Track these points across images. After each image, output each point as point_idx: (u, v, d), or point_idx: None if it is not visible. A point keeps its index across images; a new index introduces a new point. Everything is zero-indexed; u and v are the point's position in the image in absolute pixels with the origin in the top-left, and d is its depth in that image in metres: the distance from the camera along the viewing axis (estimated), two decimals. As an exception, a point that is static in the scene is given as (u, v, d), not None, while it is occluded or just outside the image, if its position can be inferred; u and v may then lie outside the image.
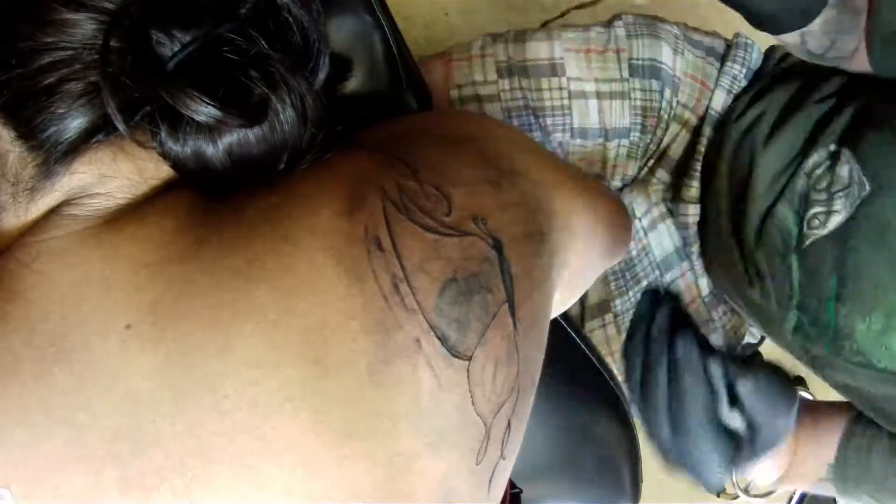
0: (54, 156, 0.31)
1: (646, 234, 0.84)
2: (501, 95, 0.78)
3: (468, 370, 0.34)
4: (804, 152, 0.67)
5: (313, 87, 0.35)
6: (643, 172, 0.85)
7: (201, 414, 0.29)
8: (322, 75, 0.35)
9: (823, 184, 0.63)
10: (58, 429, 0.28)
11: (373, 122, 0.50)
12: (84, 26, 0.30)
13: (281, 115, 0.33)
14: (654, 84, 0.78)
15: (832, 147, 0.64)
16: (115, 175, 0.33)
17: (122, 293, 0.30)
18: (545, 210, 0.41)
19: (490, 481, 0.36)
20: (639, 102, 0.79)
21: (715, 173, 0.77)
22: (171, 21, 0.30)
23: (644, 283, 0.83)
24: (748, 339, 0.92)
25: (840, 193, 0.62)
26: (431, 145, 0.39)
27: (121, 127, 0.30)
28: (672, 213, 0.84)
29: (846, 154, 0.62)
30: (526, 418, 0.40)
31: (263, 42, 0.32)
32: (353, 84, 0.55)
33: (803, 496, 1.22)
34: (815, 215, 0.63)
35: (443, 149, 0.39)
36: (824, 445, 0.70)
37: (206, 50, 0.31)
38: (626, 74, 0.78)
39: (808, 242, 0.64)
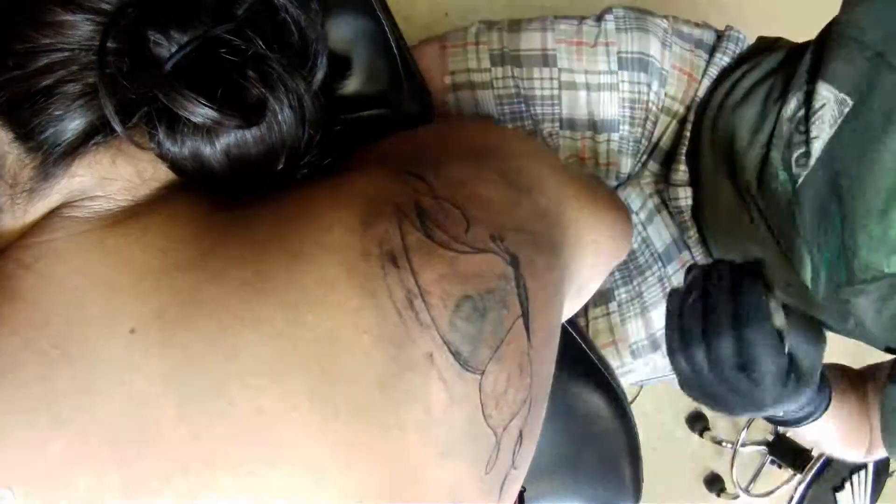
0: (52, 157, 0.31)
1: (644, 227, 0.84)
2: (494, 83, 0.79)
3: (480, 384, 0.34)
4: (781, 100, 0.67)
5: (311, 88, 0.34)
6: (637, 168, 0.85)
7: (207, 419, 0.29)
8: (320, 75, 0.35)
9: (804, 124, 0.63)
10: (61, 430, 0.28)
11: (373, 123, 0.50)
12: (81, 27, 0.30)
13: (279, 116, 0.33)
14: (643, 77, 0.79)
15: (805, 88, 0.64)
16: (114, 177, 0.33)
17: (126, 297, 0.30)
18: (560, 224, 0.41)
19: (501, 490, 0.36)
20: (627, 95, 0.80)
21: (700, 149, 0.78)
22: (168, 22, 0.30)
23: (647, 273, 0.84)
24: None
25: (814, 120, 0.62)
26: (449, 160, 0.39)
27: (118, 128, 0.30)
28: (665, 202, 0.85)
29: (819, 84, 0.62)
30: (538, 429, 0.40)
31: (261, 42, 0.32)
32: (352, 84, 0.55)
33: (803, 496, 1.22)
34: (799, 155, 0.64)
35: (460, 164, 0.39)
36: (871, 392, 0.70)
37: (204, 51, 0.31)
38: (614, 67, 0.79)
39: (800, 181, 0.64)
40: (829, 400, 0.64)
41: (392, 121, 0.57)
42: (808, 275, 0.65)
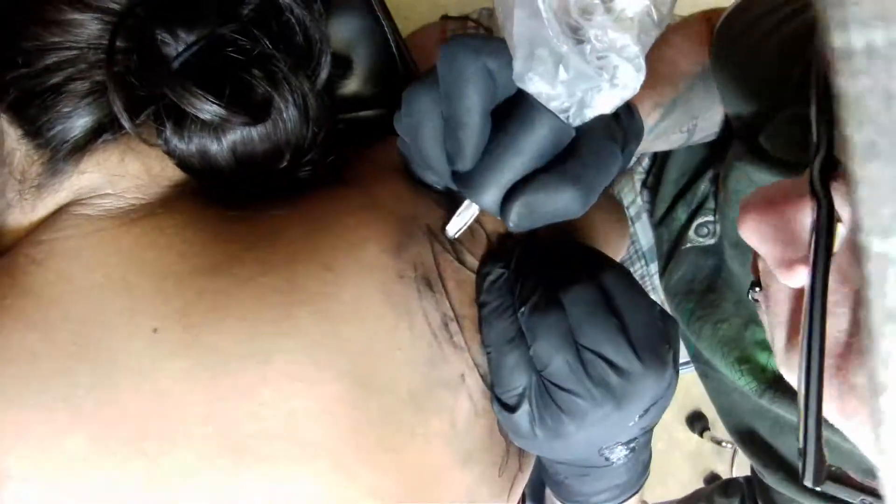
0: (60, 154, 0.32)
1: (633, 223, 0.85)
2: None
3: None
4: (706, 161, 0.67)
5: (315, 87, 0.35)
6: (632, 163, 0.86)
7: (236, 418, 0.29)
8: (324, 75, 0.36)
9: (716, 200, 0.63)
10: (82, 425, 0.28)
11: (373, 123, 0.50)
12: (89, 26, 0.30)
13: (284, 114, 0.33)
14: None
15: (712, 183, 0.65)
16: (123, 174, 0.33)
17: (146, 297, 0.30)
18: (568, 230, 0.43)
19: (510, 490, 0.38)
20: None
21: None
22: (175, 21, 0.31)
23: (630, 270, 0.84)
24: None
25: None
26: None
27: (127, 125, 0.31)
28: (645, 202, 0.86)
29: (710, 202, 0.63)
30: None
31: (266, 42, 0.32)
32: (352, 85, 0.55)
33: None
34: (704, 223, 0.64)
35: None
36: None
37: (210, 49, 0.31)
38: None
39: (686, 246, 0.64)
40: None
41: (392, 121, 0.57)
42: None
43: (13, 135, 0.32)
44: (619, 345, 0.32)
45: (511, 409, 0.34)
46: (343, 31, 0.55)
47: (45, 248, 0.31)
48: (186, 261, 0.31)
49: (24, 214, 0.33)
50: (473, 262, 0.36)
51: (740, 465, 1.61)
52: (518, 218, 0.31)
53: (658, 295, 0.82)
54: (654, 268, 0.85)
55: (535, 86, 0.30)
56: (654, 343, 0.33)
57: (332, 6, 0.51)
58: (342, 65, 0.45)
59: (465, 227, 0.35)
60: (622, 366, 0.32)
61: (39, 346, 0.29)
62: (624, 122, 0.34)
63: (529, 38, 0.28)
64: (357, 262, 0.32)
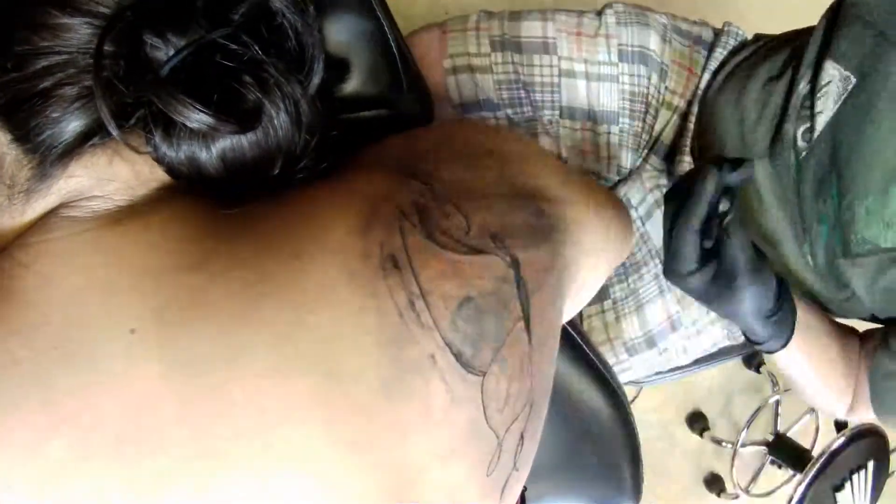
0: (50, 158, 0.31)
1: (643, 223, 0.84)
2: (494, 68, 0.79)
3: (482, 385, 0.34)
4: (792, 75, 0.68)
5: (307, 93, 0.35)
6: (638, 163, 0.85)
7: (208, 419, 0.29)
8: (316, 80, 0.35)
9: (809, 100, 0.65)
10: (61, 430, 0.28)
11: (372, 123, 0.50)
12: (79, 31, 0.30)
13: (274, 121, 0.33)
14: (643, 70, 0.80)
15: (813, 65, 0.66)
16: (112, 178, 0.33)
17: (126, 298, 0.30)
18: (560, 226, 0.41)
19: (502, 492, 0.37)
20: (627, 87, 0.80)
21: (706, 137, 0.79)
22: (165, 26, 0.30)
23: (643, 269, 0.84)
24: None
25: (820, 96, 0.63)
26: (449, 161, 0.39)
27: (114, 132, 0.31)
28: None
29: (826, 62, 0.63)
30: (539, 430, 0.40)
31: (257, 47, 0.32)
32: (352, 85, 0.55)
33: (803, 496, 1.22)
34: (804, 130, 0.65)
35: (461, 165, 0.39)
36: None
37: (200, 55, 0.31)
38: (615, 59, 0.79)
39: (803, 155, 0.65)
40: (793, 327, 0.64)
41: (392, 121, 0.56)
42: (807, 246, 0.66)
43: (2, 139, 0.32)
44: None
45: (686, 275, 0.52)
46: (342, 31, 0.54)
47: (32, 251, 0.31)
48: (167, 258, 0.31)
49: (13, 218, 0.32)
50: (445, 240, 0.34)
51: (740, 466, 1.61)
52: None
53: (675, 293, 0.82)
54: None
55: None
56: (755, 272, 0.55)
57: (330, 6, 0.51)
58: (339, 68, 0.44)
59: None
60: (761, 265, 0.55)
61: (21, 350, 0.29)
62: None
63: None
64: (323, 247, 0.32)
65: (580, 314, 0.86)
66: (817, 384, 0.70)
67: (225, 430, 0.29)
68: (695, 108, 0.81)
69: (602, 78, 0.80)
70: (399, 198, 0.35)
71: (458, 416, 0.33)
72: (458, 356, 0.33)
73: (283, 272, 0.31)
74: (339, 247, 0.32)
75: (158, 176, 0.34)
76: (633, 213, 0.85)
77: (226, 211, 0.33)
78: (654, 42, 0.80)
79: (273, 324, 0.30)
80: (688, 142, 0.82)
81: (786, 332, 0.63)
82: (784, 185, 0.68)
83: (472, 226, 0.36)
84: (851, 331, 0.73)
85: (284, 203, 0.34)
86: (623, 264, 0.85)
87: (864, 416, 0.71)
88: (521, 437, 0.37)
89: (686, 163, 0.82)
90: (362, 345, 0.31)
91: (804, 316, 0.66)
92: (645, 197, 0.85)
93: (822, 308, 0.73)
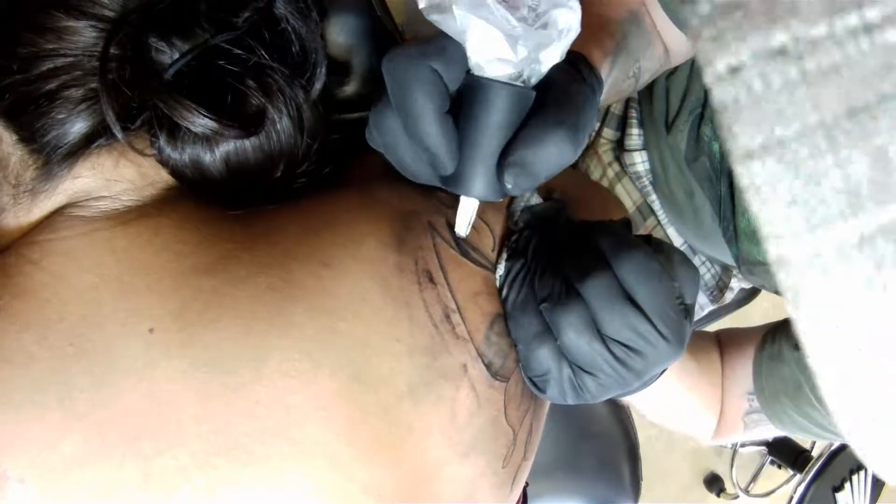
0: (55, 159, 0.32)
1: None
2: None
3: (506, 389, 0.36)
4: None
5: (310, 97, 0.35)
6: (591, 137, 0.86)
7: (230, 416, 0.29)
8: (319, 85, 0.35)
9: None
10: (77, 425, 0.28)
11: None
12: (85, 34, 0.30)
13: (277, 125, 0.33)
14: None
15: None
16: (118, 179, 0.33)
17: (142, 298, 0.30)
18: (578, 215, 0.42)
19: (513, 481, 0.38)
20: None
21: (650, 112, 0.79)
22: (170, 30, 0.31)
23: None
24: (740, 284, 0.92)
25: None
26: None
27: (118, 134, 0.31)
28: (624, 168, 0.86)
29: None
30: (544, 418, 0.42)
31: (261, 52, 0.32)
32: (353, 86, 0.55)
33: (803, 496, 1.23)
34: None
35: None
36: (742, 376, 0.68)
37: (205, 59, 0.31)
38: None
39: (719, 157, 0.64)
40: None
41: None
42: (729, 248, 0.67)
43: (8, 140, 0.32)
44: (640, 331, 0.33)
45: (541, 389, 0.37)
46: (342, 31, 0.54)
47: (40, 249, 0.31)
48: (182, 260, 0.31)
49: (18, 217, 0.33)
50: (478, 257, 0.36)
51: (740, 466, 1.61)
52: (516, 180, 0.32)
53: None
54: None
55: (492, 69, 0.31)
56: (674, 322, 0.34)
57: (331, 6, 0.51)
58: (340, 71, 0.45)
59: (471, 223, 0.35)
60: (644, 350, 0.34)
61: (35, 347, 0.29)
62: (585, 75, 0.36)
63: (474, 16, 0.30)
64: (355, 258, 0.32)
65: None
66: (685, 400, 0.68)
67: (247, 427, 0.29)
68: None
69: None
70: (430, 212, 0.36)
71: (481, 417, 0.35)
72: (488, 366, 0.35)
73: (312, 279, 0.31)
74: (372, 258, 0.33)
75: (165, 177, 0.34)
76: None
77: (234, 213, 0.33)
78: None
79: (302, 327, 0.30)
80: (634, 112, 0.82)
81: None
82: (709, 188, 0.67)
83: (497, 240, 0.38)
84: (705, 336, 0.72)
85: (303, 211, 0.34)
86: None
87: (733, 430, 0.69)
88: (531, 427, 0.38)
89: (634, 135, 0.82)
90: (393, 351, 0.32)
91: None
92: (605, 172, 0.85)
93: None
